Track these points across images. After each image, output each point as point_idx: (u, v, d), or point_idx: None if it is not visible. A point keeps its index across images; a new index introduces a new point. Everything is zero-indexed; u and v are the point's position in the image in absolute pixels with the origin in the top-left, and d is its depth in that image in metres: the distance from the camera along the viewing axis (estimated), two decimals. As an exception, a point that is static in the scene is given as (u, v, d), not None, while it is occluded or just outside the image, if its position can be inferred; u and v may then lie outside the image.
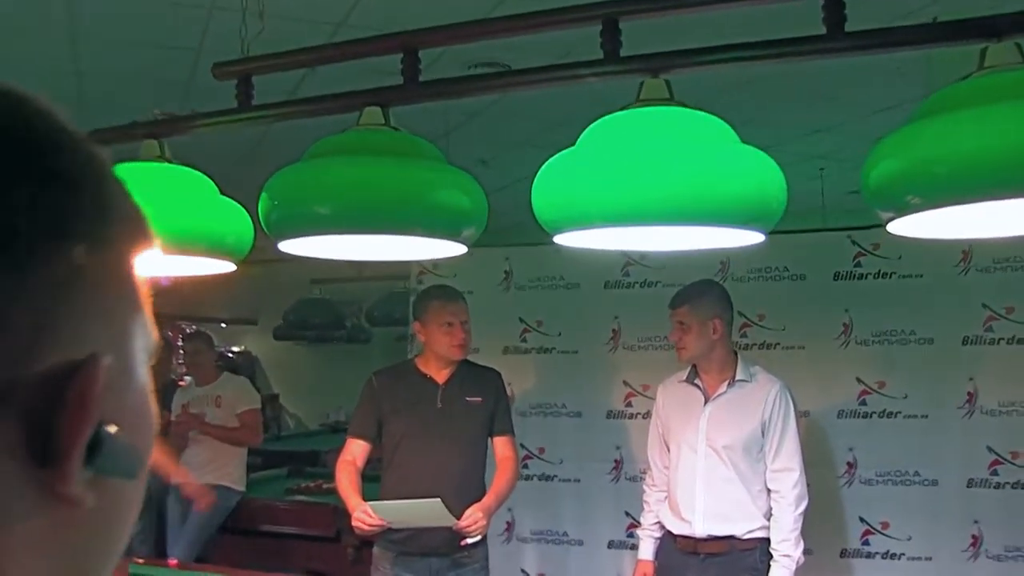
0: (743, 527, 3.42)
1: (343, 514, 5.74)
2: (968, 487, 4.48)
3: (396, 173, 2.01)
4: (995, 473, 4.46)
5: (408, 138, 2.13)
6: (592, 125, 1.92)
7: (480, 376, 3.76)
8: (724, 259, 4.81)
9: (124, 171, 1.82)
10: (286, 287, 9.90)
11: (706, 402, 3.53)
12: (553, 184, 1.87)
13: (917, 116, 1.76)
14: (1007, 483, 4.43)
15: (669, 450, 3.64)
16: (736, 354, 3.62)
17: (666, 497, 3.63)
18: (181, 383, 6.37)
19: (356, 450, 3.65)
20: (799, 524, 3.40)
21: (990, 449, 4.47)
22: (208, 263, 2.46)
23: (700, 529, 3.44)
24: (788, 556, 3.35)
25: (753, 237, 1.95)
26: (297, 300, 9.30)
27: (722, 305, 3.56)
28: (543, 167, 1.91)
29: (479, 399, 3.66)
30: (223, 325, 11.97)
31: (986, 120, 1.61)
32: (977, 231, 2.07)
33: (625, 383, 4.97)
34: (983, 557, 4.43)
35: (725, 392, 3.51)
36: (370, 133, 2.11)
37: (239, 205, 2.42)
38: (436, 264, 5.26)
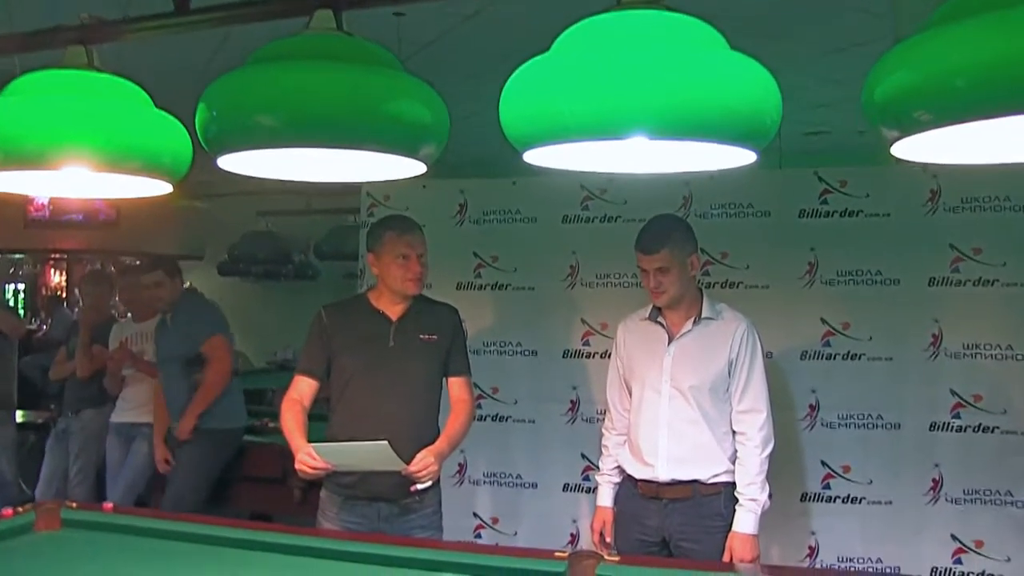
0: (708, 471, 3.30)
1: (289, 455, 5.60)
2: (930, 430, 4.43)
3: (349, 80, 1.80)
4: (957, 416, 4.40)
5: (363, 44, 1.92)
6: (568, 29, 1.71)
7: (436, 313, 3.56)
8: (687, 194, 4.67)
9: (47, 78, 1.58)
10: (233, 222, 9.64)
11: (670, 341, 3.38)
12: (524, 93, 1.67)
13: (932, 23, 1.59)
14: (968, 426, 4.38)
15: (630, 392, 3.49)
16: (701, 291, 3.46)
17: (626, 441, 3.49)
18: (123, 319, 6.11)
19: (303, 388, 3.46)
20: (765, 467, 3.28)
21: (953, 392, 4.41)
22: (142, 183, 2.23)
23: (663, 473, 3.31)
24: (754, 500, 3.24)
25: (744, 156, 1.77)
26: (243, 234, 9.00)
27: (694, 239, 3.39)
28: (513, 75, 1.71)
29: (434, 337, 3.47)
30: (167, 260, 11.67)
31: (1012, 25, 1.44)
32: (980, 155, 1.90)
33: (583, 321, 4.82)
34: (942, 500, 4.39)
35: (690, 330, 3.36)
36: (320, 38, 1.89)
37: (175, 119, 2.19)
38: (388, 196, 5.06)
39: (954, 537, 4.35)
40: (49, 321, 11.37)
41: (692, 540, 3.29)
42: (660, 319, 3.42)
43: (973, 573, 4.29)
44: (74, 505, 3.32)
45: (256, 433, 5.86)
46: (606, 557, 2.69)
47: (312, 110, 1.78)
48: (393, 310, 3.46)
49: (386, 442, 3.04)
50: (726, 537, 3.25)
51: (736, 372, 3.31)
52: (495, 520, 4.96)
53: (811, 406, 4.53)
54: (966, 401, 4.38)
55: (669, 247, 3.28)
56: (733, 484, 3.30)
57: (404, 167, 2.06)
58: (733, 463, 3.31)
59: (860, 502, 4.47)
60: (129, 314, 5.99)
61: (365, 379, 3.40)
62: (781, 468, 4.52)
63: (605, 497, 3.55)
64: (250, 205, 9.08)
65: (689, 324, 3.36)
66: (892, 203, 4.51)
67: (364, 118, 1.80)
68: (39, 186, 2.45)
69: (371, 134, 1.83)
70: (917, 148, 1.78)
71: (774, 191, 4.66)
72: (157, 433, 5.22)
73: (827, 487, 4.50)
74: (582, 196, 4.85)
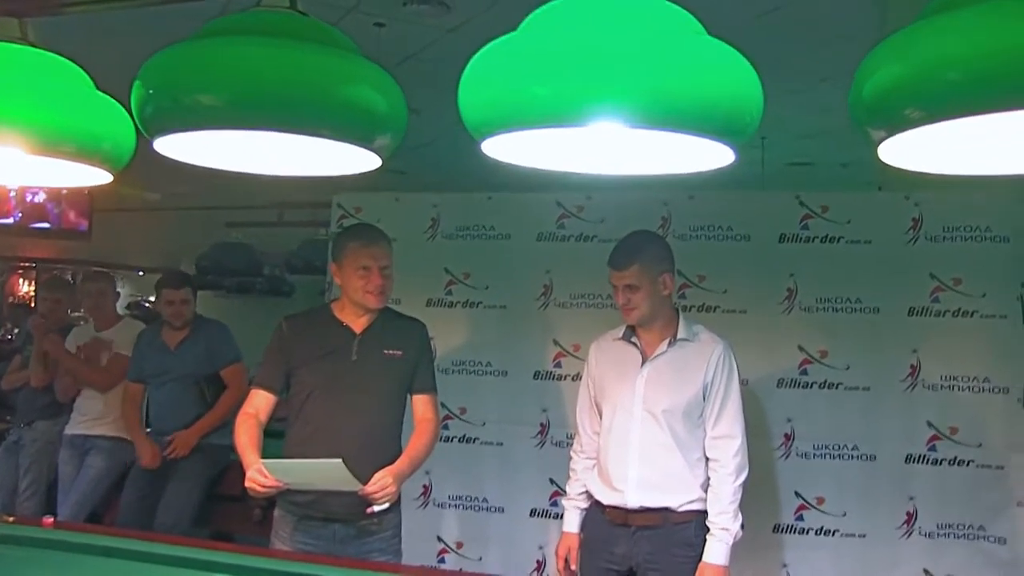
0: (679, 499, 3.17)
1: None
2: (906, 462, 4.33)
3: (299, 60, 1.67)
4: (933, 449, 4.32)
5: (318, 24, 1.79)
6: (536, 11, 1.59)
7: (402, 327, 3.42)
8: (665, 214, 4.57)
9: None
10: (205, 234, 9.50)
11: (644, 362, 3.25)
12: (483, 75, 1.55)
13: (922, 15, 1.48)
14: (944, 459, 4.29)
15: (601, 414, 3.36)
16: (678, 311, 3.35)
17: (595, 464, 3.36)
18: (80, 324, 5.96)
19: (259, 402, 3.30)
20: (739, 496, 3.16)
21: (930, 424, 4.32)
22: (80, 170, 2.09)
23: (633, 500, 3.18)
24: (726, 529, 3.11)
25: (721, 155, 1.65)
26: (212, 245, 8.84)
27: (669, 257, 3.29)
28: (474, 57, 1.59)
29: (399, 352, 3.33)
30: (140, 273, 11.55)
31: (1010, 13, 1.33)
32: (968, 165, 1.80)
33: (555, 342, 4.69)
34: (916, 534, 4.30)
35: (665, 352, 3.24)
36: (272, 14, 1.76)
37: (118, 103, 2.05)
38: (359, 208, 4.94)
39: (927, 572, 4.25)
40: (15, 331, 11.16)
41: (660, 570, 3.16)
42: (634, 339, 3.30)
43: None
44: (11, 519, 3.16)
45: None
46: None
47: (257, 90, 1.64)
48: (357, 323, 3.32)
49: (340, 460, 2.89)
50: (696, 567, 3.12)
51: (711, 396, 3.19)
52: (460, 544, 4.81)
53: (786, 435, 4.42)
54: (942, 433, 4.30)
55: (639, 263, 3.17)
56: (704, 513, 3.17)
57: (356, 160, 1.93)
58: (705, 491, 3.19)
59: (834, 534, 4.36)
60: (89, 320, 5.83)
61: (325, 394, 3.25)
62: (754, 498, 4.40)
63: (571, 523, 3.41)
64: (220, 217, 8.95)
65: (664, 345, 3.24)
66: (874, 230, 4.43)
67: (313, 101, 1.67)
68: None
69: (321, 119, 1.69)
70: (904, 153, 1.67)
71: (754, 214, 4.57)
72: (139, 434, 5.04)
73: (800, 518, 4.39)
74: (558, 214, 4.74)
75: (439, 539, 4.80)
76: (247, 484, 3.01)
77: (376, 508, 3.10)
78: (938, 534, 4.27)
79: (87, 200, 9.64)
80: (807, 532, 4.39)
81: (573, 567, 3.35)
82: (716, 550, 3.10)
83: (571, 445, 3.61)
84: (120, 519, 4.86)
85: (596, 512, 3.33)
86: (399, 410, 3.37)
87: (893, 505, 4.32)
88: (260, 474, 2.96)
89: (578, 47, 1.45)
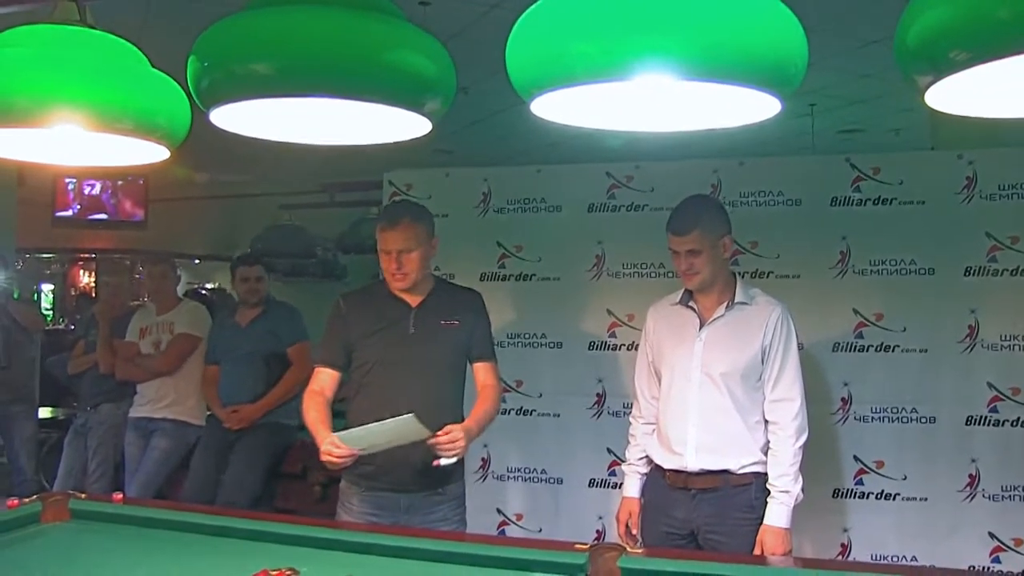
0: (738, 461, 3.16)
1: (310, 450, 5.53)
2: (967, 424, 4.28)
3: (349, 25, 1.70)
4: (994, 410, 4.25)
5: (366, -9, 1.82)
6: (579, -30, 1.60)
7: (458, 298, 3.45)
8: (715, 182, 4.55)
9: (36, 33, 1.49)
10: (259, 220, 9.62)
11: (702, 326, 3.24)
12: (530, 34, 1.57)
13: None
14: (1006, 420, 4.23)
15: (659, 379, 3.36)
16: (735, 275, 3.33)
17: (654, 429, 3.37)
18: (140, 306, 6.10)
19: (324, 380, 3.35)
20: (799, 458, 3.14)
21: (990, 385, 4.26)
22: (138, 146, 2.14)
23: (692, 463, 3.18)
24: (787, 492, 3.10)
25: (768, 106, 1.66)
26: (265, 227, 8.94)
27: (728, 220, 3.28)
28: (522, 17, 1.61)
29: (456, 322, 3.35)
30: (196, 261, 11.71)
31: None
32: (1018, 107, 1.78)
33: (609, 312, 4.69)
34: (979, 497, 4.24)
35: (723, 315, 3.22)
36: (321, -16, 1.79)
37: (173, 81, 2.10)
38: (410, 185, 4.98)
39: (992, 535, 4.20)
40: (79, 320, 11.40)
41: (721, 533, 3.15)
42: (692, 303, 3.29)
43: (1012, 572, 4.13)
44: (83, 496, 3.25)
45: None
46: (629, 550, 2.59)
47: (309, 56, 1.69)
48: (412, 296, 3.35)
49: (412, 415, 2.93)
50: (756, 530, 3.12)
51: (769, 359, 3.17)
52: (519, 516, 4.85)
53: (843, 399, 4.39)
54: (1004, 394, 4.24)
55: (700, 228, 3.16)
56: (764, 475, 3.15)
57: (408, 125, 1.96)
58: (764, 454, 3.17)
59: (894, 498, 4.33)
60: (149, 302, 5.97)
61: (385, 368, 3.29)
62: (813, 463, 4.38)
63: (632, 488, 3.43)
64: (272, 203, 9.05)
65: (722, 309, 3.23)
66: (927, 190, 4.37)
67: (364, 66, 1.71)
68: (32, 151, 2.36)
69: (371, 84, 1.73)
70: (952, 99, 1.66)
71: (805, 178, 4.53)
72: (220, 410, 5.16)
73: (860, 483, 4.36)
74: (608, 184, 4.74)
75: (499, 511, 4.85)
76: (323, 458, 3.04)
77: (443, 462, 3.10)
78: (1002, 496, 4.21)
79: (142, 190, 9.83)
80: (867, 496, 4.36)
81: (634, 531, 3.37)
82: (777, 512, 3.10)
83: (628, 414, 3.62)
84: (186, 495, 4.98)
85: (656, 477, 3.34)
86: (459, 380, 3.40)
87: (955, 468, 4.27)
88: (334, 446, 3.00)
89: (620, 2, 1.46)
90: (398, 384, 3.27)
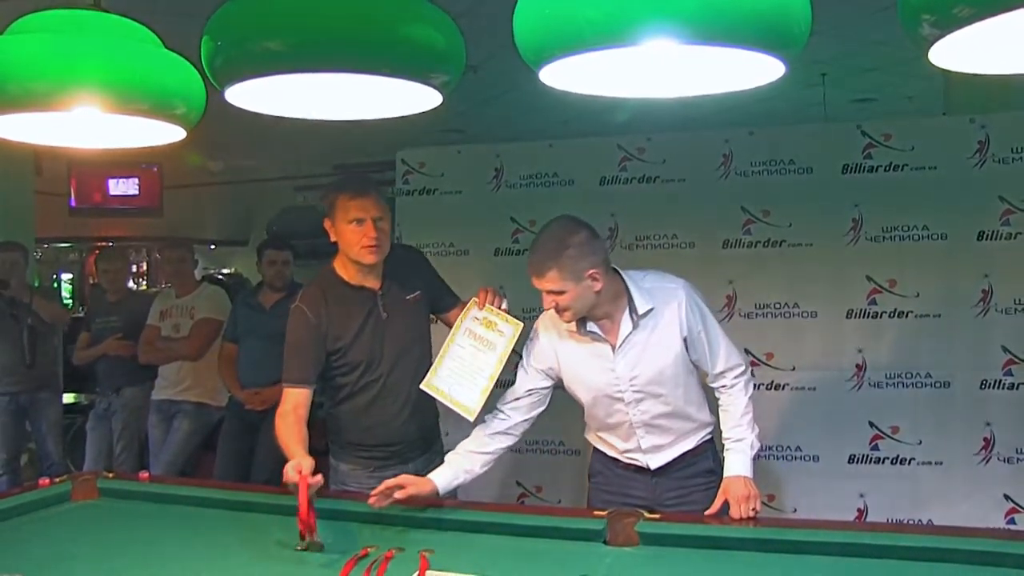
0: (694, 441, 3.06)
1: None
2: (981, 388, 4.31)
3: (359, 0, 1.73)
4: (1009, 373, 4.29)
5: (373, -33, 1.85)
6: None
7: (406, 264, 3.28)
8: (727, 152, 4.57)
9: (52, 18, 1.53)
10: (273, 204, 9.66)
11: (614, 350, 2.95)
12: (539, 2, 1.59)
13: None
14: (1021, 383, 4.26)
15: (579, 398, 3.10)
16: (622, 278, 2.95)
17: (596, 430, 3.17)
18: (161, 289, 6.18)
19: (299, 399, 3.06)
20: (751, 409, 2.97)
21: (1005, 349, 4.29)
22: (154, 127, 2.18)
23: (653, 464, 3.04)
24: (741, 440, 2.92)
25: (772, 69, 1.68)
26: (280, 209, 8.98)
27: (592, 248, 2.86)
28: (527, -14, 1.64)
29: (417, 293, 3.23)
30: (212, 247, 11.78)
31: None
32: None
33: (624, 284, 4.72)
34: (994, 460, 4.28)
35: (631, 332, 2.93)
36: (330, -40, 1.82)
37: (187, 61, 2.14)
38: (423, 163, 5.01)
39: (1007, 497, 4.23)
40: (84, 309, 11.51)
41: (687, 502, 3.01)
42: (592, 328, 2.97)
43: (1030, 531, 4.17)
44: (110, 475, 3.32)
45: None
46: (646, 516, 2.63)
47: (319, 31, 1.72)
48: (369, 279, 3.16)
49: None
50: (714, 493, 2.92)
51: (694, 344, 2.95)
52: (539, 488, 4.90)
53: (857, 366, 4.42)
54: (1018, 358, 4.27)
55: (557, 268, 2.81)
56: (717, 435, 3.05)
57: (420, 98, 1.99)
58: (713, 417, 3.06)
59: (910, 463, 4.36)
60: (169, 286, 6.03)
61: (373, 363, 3.17)
62: (827, 429, 4.46)
63: (437, 474, 2.95)
64: (286, 187, 9.09)
65: (627, 326, 2.93)
66: (938, 155, 4.38)
67: (374, 40, 1.74)
68: (49, 134, 2.41)
69: (386, 58, 1.76)
70: (958, 54, 1.68)
71: (816, 146, 4.55)
72: (238, 389, 5.14)
73: (875, 448, 4.40)
74: (620, 157, 4.76)
75: (518, 483, 4.90)
76: (285, 478, 2.73)
77: None
78: (1017, 459, 4.25)
79: (157, 177, 9.90)
80: (883, 461, 4.39)
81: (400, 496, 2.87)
82: (737, 462, 2.91)
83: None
84: (217, 475, 5.04)
85: (606, 459, 3.17)
86: (428, 343, 3.29)
87: (970, 432, 4.31)
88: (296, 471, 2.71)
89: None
90: (389, 371, 3.17)
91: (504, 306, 3.16)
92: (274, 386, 5.07)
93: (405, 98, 2.00)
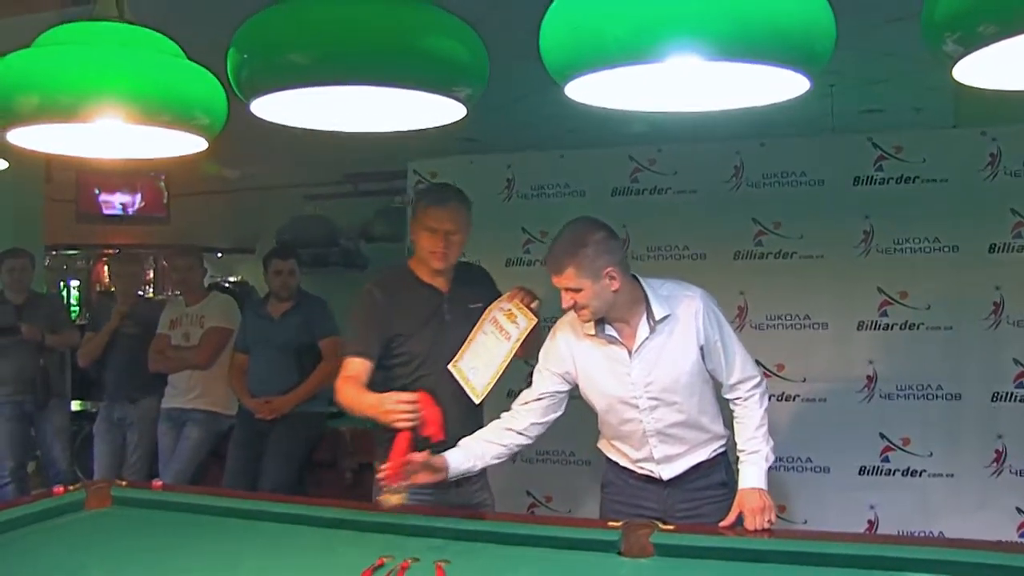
0: (707, 452, 3.07)
1: (341, 438, 5.60)
2: (992, 401, 4.32)
3: (385, 13, 1.75)
4: (1020, 386, 4.29)
5: (397, -19, 1.86)
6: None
7: (474, 277, 3.50)
8: (738, 163, 4.59)
9: (76, 30, 1.54)
10: (282, 213, 9.67)
11: (631, 355, 2.98)
12: (564, 18, 1.61)
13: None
14: (1032, 396, 4.26)
15: (590, 403, 3.14)
16: (639, 283, 2.99)
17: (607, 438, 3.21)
18: (170, 297, 6.17)
19: (359, 368, 3.17)
20: (766, 420, 2.99)
21: (1016, 361, 4.30)
22: (177, 138, 2.20)
23: (666, 474, 3.05)
24: (756, 452, 2.94)
25: (796, 84, 1.69)
26: (290, 218, 9.00)
27: (609, 247, 2.91)
28: (554, 2, 1.65)
29: (480, 304, 3.35)
30: (219, 255, 11.78)
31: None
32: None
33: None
34: (1006, 472, 4.29)
35: (648, 337, 2.96)
36: (354, -26, 1.84)
37: (209, 72, 2.15)
38: (435, 173, 5.04)
39: (1019, 510, 4.24)
40: (89, 315, 11.49)
41: (699, 515, 3.02)
42: (609, 332, 3.00)
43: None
44: (124, 483, 3.33)
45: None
46: (660, 527, 2.64)
47: (346, 45, 1.74)
48: (439, 280, 3.34)
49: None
50: (728, 505, 2.95)
51: (711, 353, 2.97)
52: (549, 498, 4.90)
53: (868, 377, 4.43)
54: (1029, 371, 4.26)
55: (575, 266, 2.85)
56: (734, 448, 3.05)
57: (443, 111, 2.01)
58: (727, 429, 3.07)
59: (920, 475, 4.37)
60: (179, 294, 6.03)
61: (430, 360, 3.26)
62: (838, 441, 4.47)
63: (451, 454, 2.95)
64: (296, 195, 9.10)
65: (644, 331, 2.95)
66: (950, 168, 4.40)
67: (401, 53, 1.75)
68: (72, 145, 2.42)
69: (412, 71, 1.78)
70: (980, 74, 1.69)
71: (827, 158, 4.57)
72: (248, 398, 5.20)
73: (886, 460, 4.41)
74: (631, 168, 4.78)
75: (528, 493, 4.90)
76: (389, 416, 2.86)
77: None
78: (1030, 472, 4.25)
79: (159, 186, 9.93)
80: (893, 473, 4.40)
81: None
82: (751, 474, 2.92)
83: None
84: (226, 484, 5.06)
85: (618, 469, 3.18)
86: None
87: (981, 444, 4.31)
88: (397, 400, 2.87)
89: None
90: (445, 375, 3.21)
91: (534, 305, 3.29)
92: (284, 395, 5.12)
93: (429, 110, 2.02)
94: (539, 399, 3.08)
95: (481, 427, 3.22)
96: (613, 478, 3.20)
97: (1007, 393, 4.29)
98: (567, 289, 2.89)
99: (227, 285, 11.20)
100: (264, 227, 10.00)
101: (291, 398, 5.10)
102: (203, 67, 2.17)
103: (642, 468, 3.08)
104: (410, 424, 2.84)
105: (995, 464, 4.29)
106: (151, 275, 12.14)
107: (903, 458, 4.39)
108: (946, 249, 4.38)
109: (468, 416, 3.27)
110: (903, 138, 4.47)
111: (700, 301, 2.97)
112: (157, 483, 3.35)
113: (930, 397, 4.37)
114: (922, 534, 4.29)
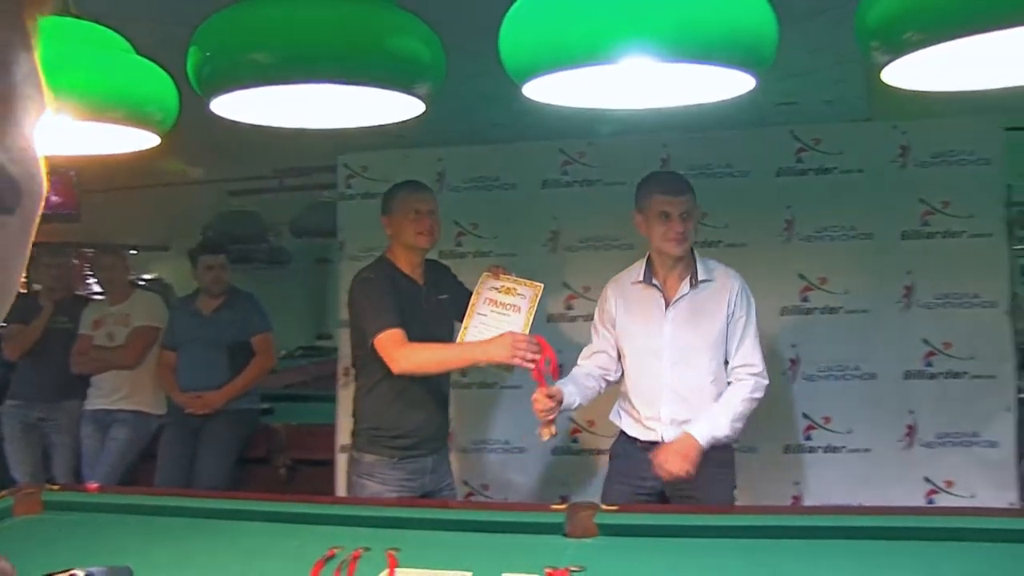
0: None
1: (272, 434, 5.57)
2: (905, 379, 4.53)
3: (346, 13, 1.80)
4: (929, 364, 4.51)
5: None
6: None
7: (439, 271, 3.74)
8: (665, 156, 4.70)
9: None
10: (201, 208, 9.50)
11: (667, 305, 3.32)
12: (524, 21, 1.69)
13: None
14: (940, 373, 4.50)
15: (622, 356, 3.42)
16: (692, 250, 3.42)
17: (619, 397, 3.47)
18: (90, 297, 6.04)
19: (401, 335, 3.33)
20: (745, 409, 3.26)
21: (925, 341, 4.51)
22: (128, 133, 2.20)
23: (668, 436, 3.27)
24: (718, 417, 3.21)
25: (743, 83, 1.80)
26: (218, 213, 8.86)
27: None
28: (512, 6, 1.73)
29: (446, 296, 3.61)
30: (134, 252, 11.56)
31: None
32: (974, 80, 1.94)
33: (565, 285, 4.83)
34: (916, 445, 4.50)
35: (687, 293, 3.31)
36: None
37: (160, 67, 2.16)
38: (366, 167, 5.05)
39: (927, 480, 4.46)
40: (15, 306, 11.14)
41: (695, 489, 3.22)
42: (655, 281, 3.35)
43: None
44: (56, 487, 3.19)
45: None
46: (603, 507, 2.73)
47: (308, 44, 1.78)
48: (416, 273, 3.56)
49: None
50: (728, 484, 3.27)
51: (732, 329, 3.28)
52: (485, 487, 4.97)
53: (792, 360, 4.60)
54: (937, 349, 4.50)
55: (691, 193, 3.30)
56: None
57: (400, 108, 2.07)
58: None
59: (840, 451, 4.56)
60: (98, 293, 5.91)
61: None
62: (765, 422, 4.57)
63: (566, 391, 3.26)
64: (218, 191, 8.94)
65: (685, 286, 3.30)
66: (864, 159, 4.59)
67: (362, 52, 1.80)
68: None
69: (369, 69, 1.83)
70: (909, 74, 1.81)
71: (751, 150, 4.71)
72: (179, 394, 5.16)
73: (809, 438, 4.59)
74: (561, 160, 4.86)
75: (465, 483, 4.97)
76: (519, 355, 3.19)
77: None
78: (936, 443, 4.49)
79: (71, 183, 9.66)
80: (816, 450, 4.59)
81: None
82: (699, 428, 3.18)
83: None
84: (158, 482, 5.00)
85: (624, 442, 3.42)
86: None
87: (894, 420, 4.53)
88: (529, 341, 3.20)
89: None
90: None
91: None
92: (215, 390, 5.08)
93: (388, 107, 2.07)
94: (599, 352, 3.45)
95: (447, 426, 3.57)
96: (620, 450, 3.46)
97: (917, 371, 4.51)
98: (681, 214, 3.21)
99: (141, 283, 11.00)
100: (182, 224, 9.82)
101: (223, 393, 5.08)
102: (153, 62, 2.18)
103: (648, 430, 3.28)
104: (536, 359, 3.15)
105: (907, 438, 4.50)
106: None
107: (825, 436, 4.58)
108: (862, 236, 4.57)
109: (441, 412, 3.56)
110: (821, 131, 4.65)
111: (739, 281, 3.33)
112: (92, 485, 3.26)
113: (848, 377, 4.56)
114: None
